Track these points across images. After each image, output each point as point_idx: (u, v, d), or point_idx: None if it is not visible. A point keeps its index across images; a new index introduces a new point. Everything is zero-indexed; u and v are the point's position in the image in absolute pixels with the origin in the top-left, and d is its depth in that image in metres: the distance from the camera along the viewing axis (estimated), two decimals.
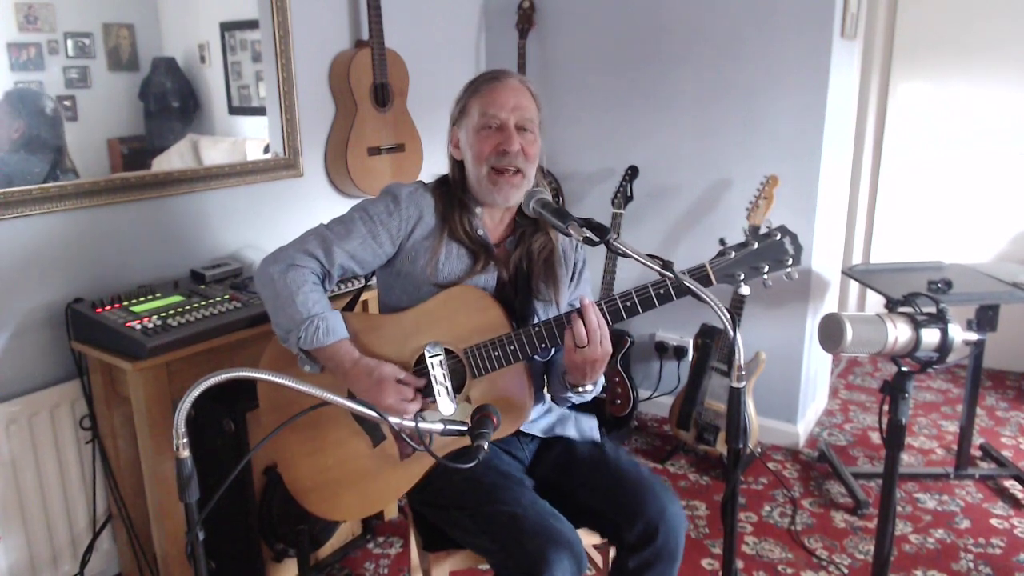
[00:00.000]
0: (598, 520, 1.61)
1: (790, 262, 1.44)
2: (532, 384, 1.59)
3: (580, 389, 1.57)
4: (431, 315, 1.58)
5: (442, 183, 1.70)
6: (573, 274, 1.75)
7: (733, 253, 1.44)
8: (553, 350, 1.64)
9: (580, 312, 1.45)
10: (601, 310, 1.47)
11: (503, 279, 1.65)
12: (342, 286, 2.26)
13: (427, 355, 1.48)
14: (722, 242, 1.46)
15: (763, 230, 1.47)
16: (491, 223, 1.69)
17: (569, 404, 1.71)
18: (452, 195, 1.66)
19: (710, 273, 1.44)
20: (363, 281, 1.94)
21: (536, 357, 1.58)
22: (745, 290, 1.45)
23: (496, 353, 1.52)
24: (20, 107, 1.96)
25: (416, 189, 1.66)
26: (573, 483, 1.64)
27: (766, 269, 1.44)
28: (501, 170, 1.57)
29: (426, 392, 1.54)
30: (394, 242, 1.63)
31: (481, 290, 1.59)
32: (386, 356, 1.57)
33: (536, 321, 1.56)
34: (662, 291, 1.45)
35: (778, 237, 1.44)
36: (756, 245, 1.43)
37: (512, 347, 1.51)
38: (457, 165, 1.67)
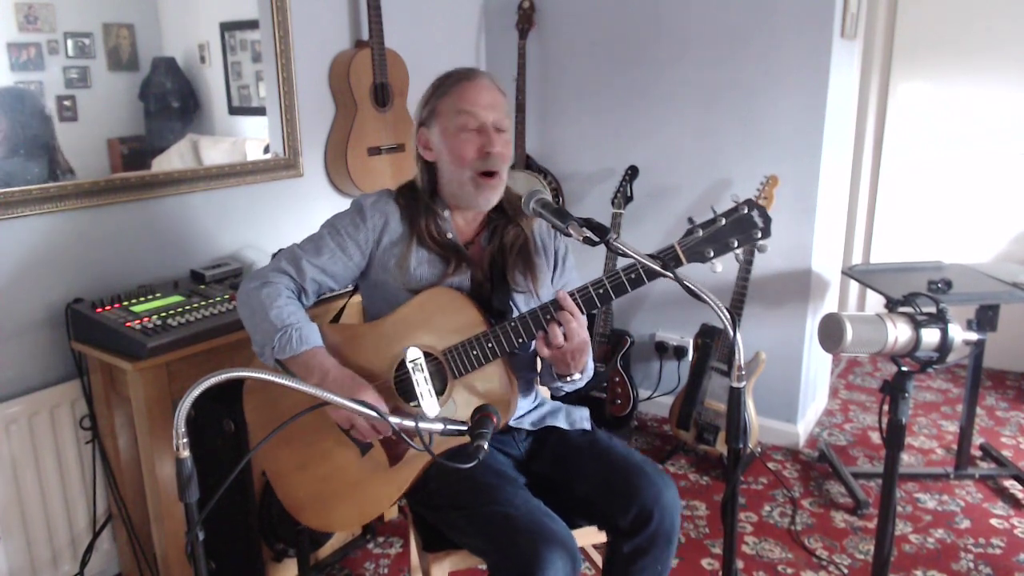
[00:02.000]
0: (593, 508, 1.59)
1: (759, 235, 1.40)
2: (513, 379, 1.59)
3: (569, 378, 1.57)
4: (408, 320, 1.58)
5: (407, 187, 1.69)
6: (555, 263, 1.74)
7: (701, 231, 1.40)
8: (532, 344, 1.64)
9: (559, 304, 1.45)
10: (575, 300, 1.47)
11: (477, 278, 1.64)
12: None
13: (407, 360, 1.48)
14: (690, 220, 1.43)
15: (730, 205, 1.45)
16: (463, 223, 1.68)
17: (563, 393, 1.71)
18: (418, 200, 1.65)
19: (679, 252, 1.40)
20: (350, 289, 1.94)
21: (517, 352, 1.58)
22: (718, 267, 1.43)
23: (475, 352, 1.52)
24: (5, 107, 1.94)
25: (380, 198, 1.66)
26: (568, 473, 1.63)
27: (735, 244, 1.41)
28: (486, 173, 1.57)
29: (409, 396, 1.55)
30: (363, 253, 1.63)
31: (455, 290, 1.59)
32: (367, 365, 1.57)
33: (512, 316, 1.56)
34: (633, 276, 1.44)
35: (745, 211, 1.40)
36: (724, 221, 1.40)
37: (490, 345, 1.51)
38: (426, 167, 1.66)
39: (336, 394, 1.47)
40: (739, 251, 1.44)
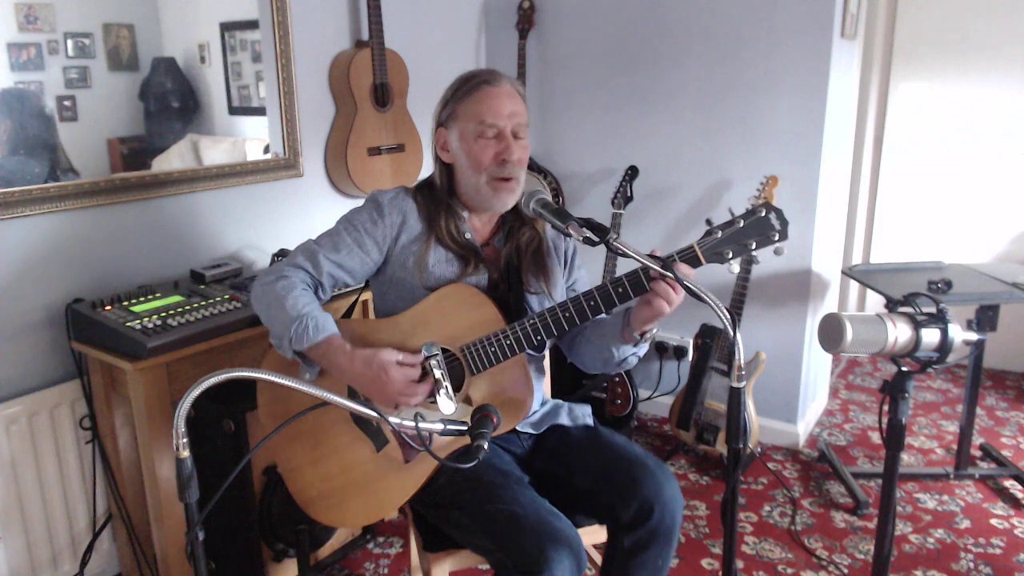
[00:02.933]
0: (594, 502, 1.59)
1: (777, 237, 1.43)
2: (531, 378, 1.59)
3: (647, 335, 1.57)
4: (425, 316, 1.58)
5: (425, 186, 1.69)
6: (566, 263, 1.76)
7: (720, 232, 1.43)
8: (549, 342, 1.64)
9: (666, 268, 1.41)
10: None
11: (493, 278, 1.65)
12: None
13: (424, 355, 1.48)
14: (708, 222, 1.46)
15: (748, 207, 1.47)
16: (479, 224, 1.69)
17: (635, 361, 1.69)
18: (438, 199, 1.65)
19: (698, 253, 1.43)
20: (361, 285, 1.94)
21: (532, 351, 1.57)
22: (735, 268, 1.46)
23: (493, 349, 1.52)
24: (6, 107, 1.94)
25: (397, 194, 1.66)
26: (569, 468, 1.64)
27: (753, 245, 1.43)
28: (503, 178, 1.57)
29: None
30: (381, 250, 1.64)
31: (473, 287, 1.59)
32: None
33: (531, 314, 1.56)
34: (634, 280, 1.45)
35: (763, 213, 1.43)
36: (742, 223, 1.43)
37: (508, 342, 1.51)
38: (445, 168, 1.66)
39: (362, 373, 1.48)
40: (757, 253, 1.46)
